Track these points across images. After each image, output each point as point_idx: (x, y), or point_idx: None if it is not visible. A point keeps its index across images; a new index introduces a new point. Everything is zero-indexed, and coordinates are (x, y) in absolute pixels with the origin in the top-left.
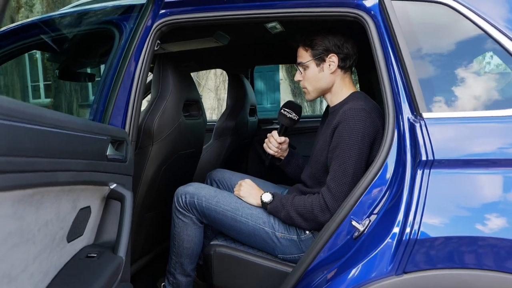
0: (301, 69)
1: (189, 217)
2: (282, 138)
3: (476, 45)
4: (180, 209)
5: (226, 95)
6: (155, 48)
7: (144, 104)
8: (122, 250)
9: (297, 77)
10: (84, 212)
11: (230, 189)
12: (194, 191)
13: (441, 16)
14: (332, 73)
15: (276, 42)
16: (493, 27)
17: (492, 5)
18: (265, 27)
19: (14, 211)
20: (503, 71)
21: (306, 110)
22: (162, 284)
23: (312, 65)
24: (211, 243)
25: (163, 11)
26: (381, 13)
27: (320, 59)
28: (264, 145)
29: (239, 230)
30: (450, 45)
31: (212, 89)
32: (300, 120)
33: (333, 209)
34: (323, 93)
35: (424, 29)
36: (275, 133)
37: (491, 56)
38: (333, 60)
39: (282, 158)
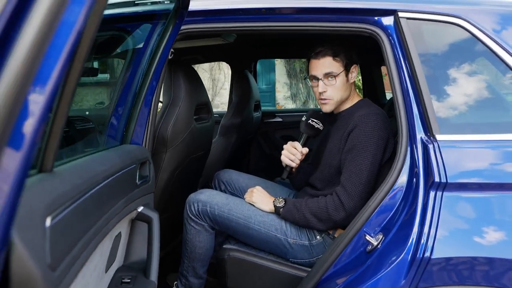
0: (326, 79)
1: (202, 224)
2: (306, 149)
3: (488, 68)
4: (193, 217)
5: (220, 76)
6: (169, 57)
7: None
8: (154, 275)
9: (322, 88)
10: (117, 239)
11: (237, 190)
12: (207, 200)
13: (455, 37)
14: (351, 83)
15: (281, 37)
16: (504, 50)
17: (504, 27)
18: None
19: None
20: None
21: (301, 92)
22: (175, 283)
23: (343, 76)
24: (224, 246)
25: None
26: (397, 32)
27: (348, 70)
28: (283, 157)
29: (252, 237)
30: (464, 66)
31: (207, 70)
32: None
33: (348, 207)
34: (341, 103)
35: (438, 49)
36: (298, 145)
37: (504, 79)
38: (354, 70)
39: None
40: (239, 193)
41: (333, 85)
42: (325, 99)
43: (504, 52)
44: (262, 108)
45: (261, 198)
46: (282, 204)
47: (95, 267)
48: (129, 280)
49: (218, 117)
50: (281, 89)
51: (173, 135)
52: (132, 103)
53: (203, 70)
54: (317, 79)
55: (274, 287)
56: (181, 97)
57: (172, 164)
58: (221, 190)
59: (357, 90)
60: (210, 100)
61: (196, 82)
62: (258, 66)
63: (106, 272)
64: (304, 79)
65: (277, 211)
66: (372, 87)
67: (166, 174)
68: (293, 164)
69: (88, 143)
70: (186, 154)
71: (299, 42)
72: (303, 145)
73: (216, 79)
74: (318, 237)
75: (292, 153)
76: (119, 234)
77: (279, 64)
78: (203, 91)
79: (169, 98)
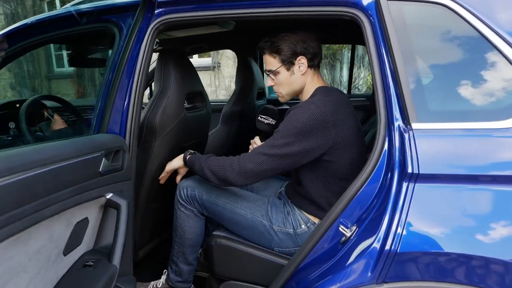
0: (271, 74)
1: (191, 209)
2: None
3: (473, 50)
4: (182, 202)
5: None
6: (154, 47)
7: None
8: (117, 259)
9: (269, 82)
10: (81, 224)
11: None
12: (195, 184)
13: (438, 17)
14: (302, 74)
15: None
16: (492, 30)
17: (492, 6)
18: None
19: (1, 257)
20: (500, 79)
21: (326, 78)
22: (164, 271)
23: (283, 70)
24: (213, 233)
25: (159, 10)
26: (377, 14)
27: (289, 63)
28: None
29: (238, 222)
30: (446, 49)
31: (231, 57)
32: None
33: (241, 168)
34: (296, 94)
35: (419, 31)
36: (257, 139)
37: (489, 63)
38: (302, 62)
39: None
40: None
41: (276, 80)
42: (277, 92)
43: (494, 34)
44: (272, 95)
45: (171, 163)
46: (189, 153)
47: (39, 249)
48: (92, 263)
49: (221, 105)
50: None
51: (161, 123)
52: (106, 96)
53: (227, 58)
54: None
55: (259, 275)
56: (170, 86)
57: (162, 153)
58: None
59: (322, 78)
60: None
61: (187, 71)
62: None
63: (65, 255)
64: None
65: (184, 159)
66: None
67: (157, 162)
68: None
69: (59, 133)
70: (176, 143)
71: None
72: (262, 139)
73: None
74: (303, 226)
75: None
76: (85, 220)
77: None
78: (196, 80)
79: (159, 88)
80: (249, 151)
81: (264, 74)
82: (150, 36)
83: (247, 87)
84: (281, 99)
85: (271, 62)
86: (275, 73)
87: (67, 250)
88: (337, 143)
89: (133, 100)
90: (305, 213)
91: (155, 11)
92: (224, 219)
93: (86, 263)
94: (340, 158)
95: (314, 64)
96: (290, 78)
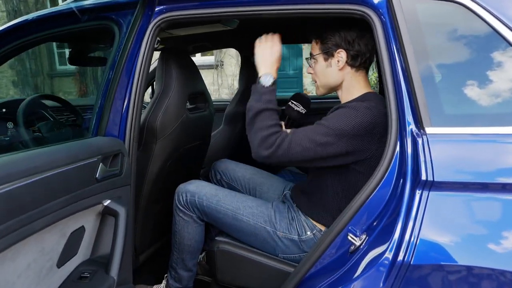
0: (311, 61)
1: (190, 215)
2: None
3: (490, 50)
4: (181, 207)
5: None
6: (156, 46)
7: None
8: (114, 270)
9: (308, 69)
10: (77, 233)
11: (233, 180)
12: (195, 190)
13: (453, 17)
14: (340, 69)
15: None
16: (509, 29)
17: (508, 3)
18: None
19: None
20: None
21: None
22: (165, 275)
23: (320, 59)
24: (216, 238)
25: (159, 8)
26: (389, 12)
27: (328, 53)
28: None
29: (240, 229)
30: (461, 49)
31: (234, 56)
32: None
33: (275, 153)
34: (333, 90)
35: (433, 30)
36: (282, 124)
37: (508, 63)
38: (341, 56)
39: None
40: (235, 183)
41: (313, 68)
42: (314, 81)
43: (510, 32)
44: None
45: (263, 55)
46: (269, 83)
47: (28, 264)
48: (88, 275)
49: (224, 105)
50: (309, 75)
51: (162, 125)
52: (105, 97)
53: (230, 56)
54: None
55: (263, 282)
56: (172, 87)
57: (163, 155)
58: (217, 180)
59: (369, 83)
60: None
61: (190, 70)
62: (285, 51)
63: (59, 267)
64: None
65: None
66: None
67: (158, 164)
68: None
69: (56, 136)
70: (177, 145)
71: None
72: (287, 126)
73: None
74: (308, 232)
75: None
76: (81, 228)
77: (307, 49)
78: (198, 80)
79: (160, 88)
80: None
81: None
82: (151, 34)
83: (251, 87)
84: (317, 91)
85: (313, 47)
86: (314, 59)
87: (61, 262)
88: (374, 157)
89: (133, 101)
90: (311, 220)
91: (156, 9)
92: (226, 226)
93: (82, 275)
94: (371, 172)
95: (356, 63)
96: (326, 70)
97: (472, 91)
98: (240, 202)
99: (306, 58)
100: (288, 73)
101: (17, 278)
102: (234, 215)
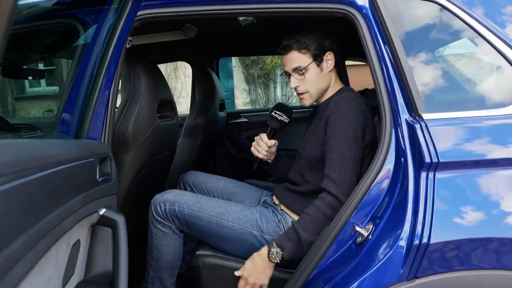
0: (296, 74)
1: (169, 226)
2: (272, 141)
3: (469, 45)
4: (159, 218)
5: (177, 84)
6: (127, 46)
7: None
8: (123, 287)
9: (294, 83)
10: (75, 247)
11: (205, 192)
12: (174, 199)
13: (432, 14)
14: (330, 71)
15: (245, 33)
16: (481, 24)
17: (483, 4)
18: (236, 19)
19: None
20: (496, 69)
21: (261, 97)
22: None
23: (313, 67)
24: (197, 253)
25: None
26: (372, 11)
27: (319, 59)
28: (252, 148)
29: (225, 236)
30: (444, 43)
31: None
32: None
33: (341, 198)
34: (322, 94)
35: (417, 27)
36: (264, 136)
37: (484, 55)
38: (329, 58)
39: (269, 161)
40: (207, 195)
41: (303, 79)
42: (300, 93)
43: (482, 27)
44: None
45: (254, 270)
46: (280, 256)
47: (48, 279)
48: None
49: (181, 120)
50: (240, 95)
51: (134, 133)
52: (86, 95)
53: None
54: (289, 74)
55: None
56: (142, 92)
57: (135, 166)
58: None
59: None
60: None
61: (158, 76)
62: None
63: (63, 287)
64: (280, 75)
65: (278, 262)
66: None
67: (129, 177)
68: (260, 155)
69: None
70: (150, 155)
71: (263, 38)
72: (270, 137)
73: (173, 88)
74: None
75: (259, 145)
76: (78, 242)
77: (237, 70)
78: (166, 86)
79: (129, 93)
80: (253, 148)
81: (280, 77)
82: (128, 33)
83: (209, 98)
84: (305, 102)
85: (299, 58)
86: (305, 70)
87: (64, 281)
88: (373, 137)
89: (111, 104)
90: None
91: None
92: (209, 234)
93: None
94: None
95: (337, 61)
96: (320, 75)
97: (455, 80)
98: (223, 207)
99: (284, 74)
100: None
101: None
102: (218, 222)
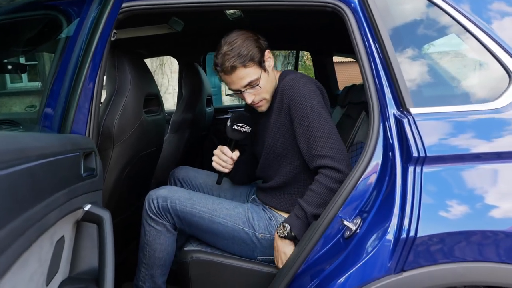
0: (250, 89)
1: (162, 224)
2: (237, 153)
3: (456, 40)
4: (152, 216)
5: (164, 80)
6: (112, 39)
7: None
8: (109, 284)
9: (250, 98)
10: (59, 244)
11: (195, 188)
12: (167, 194)
13: (420, 8)
14: (271, 69)
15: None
16: (468, 20)
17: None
18: (224, 13)
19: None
20: (482, 65)
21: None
22: None
23: (262, 74)
24: (185, 249)
25: None
26: (361, 5)
27: (263, 63)
28: (215, 164)
29: (217, 232)
30: (432, 38)
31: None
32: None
33: (341, 167)
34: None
35: (405, 22)
36: (227, 150)
37: (470, 50)
38: (269, 56)
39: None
40: (196, 191)
41: (258, 90)
42: (257, 103)
43: (469, 22)
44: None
45: (282, 252)
46: (288, 229)
47: (31, 276)
48: None
49: (168, 116)
50: (228, 91)
51: (120, 128)
52: (70, 88)
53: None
54: (240, 91)
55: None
56: (128, 86)
57: (120, 162)
58: None
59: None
60: None
61: (144, 70)
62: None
63: (47, 285)
64: (227, 95)
65: (290, 238)
66: (325, 78)
67: (115, 174)
68: (226, 171)
69: None
70: (136, 150)
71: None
72: (233, 149)
73: (160, 84)
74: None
75: (223, 160)
76: (62, 238)
77: None
78: (152, 80)
79: (114, 87)
80: (215, 163)
81: (227, 96)
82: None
83: (196, 93)
84: (263, 108)
85: (248, 73)
86: (257, 81)
87: (48, 279)
88: None
89: (96, 97)
90: (286, 214)
91: None
92: (201, 230)
93: None
94: None
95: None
96: (269, 78)
97: (442, 75)
98: (216, 204)
99: (234, 94)
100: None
101: None
102: (210, 218)
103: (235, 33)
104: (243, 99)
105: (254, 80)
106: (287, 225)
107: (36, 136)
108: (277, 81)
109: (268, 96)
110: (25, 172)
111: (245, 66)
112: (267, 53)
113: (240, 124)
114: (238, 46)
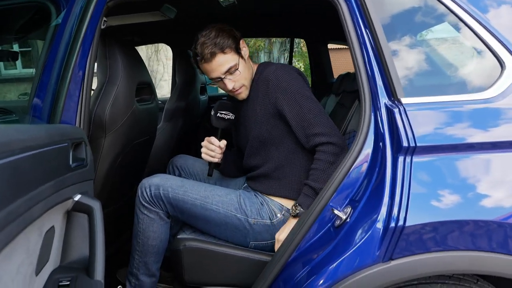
0: (229, 75)
1: (155, 212)
2: (224, 142)
3: (450, 29)
4: (145, 204)
5: (159, 67)
6: (102, 27)
7: None
8: (99, 273)
9: (231, 84)
10: (49, 234)
11: (192, 175)
12: (159, 182)
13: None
14: (248, 57)
15: (226, 15)
16: (463, 10)
17: None
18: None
19: None
20: (475, 54)
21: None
22: (119, 287)
23: (240, 61)
24: (179, 237)
25: None
26: None
27: (239, 50)
28: (204, 155)
29: (210, 219)
30: (425, 28)
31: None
32: None
33: (336, 141)
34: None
35: (397, 10)
36: (214, 139)
37: (464, 40)
38: (243, 45)
39: (220, 161)
40: (194, 179)
41: (237, 75)
42: (237, 90)
43: (463, 11)
44: (209, 93)
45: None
46: (299, 208)
47: (18, 267)
48: (68, 282)
49: (161, 104)
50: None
51: (112, 117)
52: (59, 78)
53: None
54: (220, 78)
55: (236, 275)
56: (119, 74)
57: (113, 151)
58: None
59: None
60: None
61: (135, 58)
62: None
63: (37, 275)
64: (208, 84)
65: (299, 215)
66: (320, 66)
67: (107, 163)
68: (215, 160)
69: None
70: (128, 139)
71: (245, 20)
72: (220, 138)
73: (155, 71)
74: (278, 215)
75: (211, 149)
76: (52, 229)
77: None
78: (144, 69)
79: (105, 75)
80: (204, 155)
81: (207, 86)
82: (103, 13)
83: (190, 81)
84: (243, 95)
85: (227, 59)
86: (236, 67)
87: (38, 269)
88: None
89: (86, 86)
90: (277, 199)
91: None
92: (194, 216)
93: (60, 283)
94: None
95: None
96: (246, 65)
97: (434, 64)
98: (208, 191)
99: (214, 82)
100: (208, 78)
101: (11, 283)
102: (202, 205)
103: (209, 26)
104: (223, 88)
105: (233, 65)
106: (297, 205)
107: (20, 128)
108: (254, 70)
109: (246, 82)
110: (7, 166)
111: (223, 52)
112: (242, 42)
113: (223, 112)
114: (213, 35)
